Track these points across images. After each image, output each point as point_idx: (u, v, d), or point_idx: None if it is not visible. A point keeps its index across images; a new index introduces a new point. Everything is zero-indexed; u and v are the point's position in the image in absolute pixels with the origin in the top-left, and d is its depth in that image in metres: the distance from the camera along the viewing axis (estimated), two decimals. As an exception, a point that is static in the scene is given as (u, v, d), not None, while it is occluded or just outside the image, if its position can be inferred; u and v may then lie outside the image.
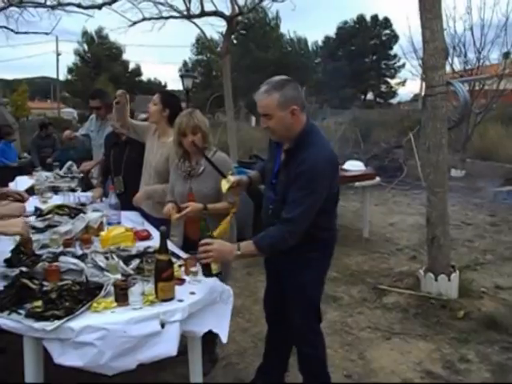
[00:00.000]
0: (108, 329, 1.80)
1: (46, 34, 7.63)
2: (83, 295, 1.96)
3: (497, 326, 3.46)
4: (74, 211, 3.20)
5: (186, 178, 2.77)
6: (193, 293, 2.11)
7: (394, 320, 3.66)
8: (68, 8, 6.70)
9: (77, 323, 1.80)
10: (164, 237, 2.10)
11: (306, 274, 2.30)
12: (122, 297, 1.96)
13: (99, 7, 6.60)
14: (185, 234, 2.83)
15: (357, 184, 5.69)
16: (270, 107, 2.11)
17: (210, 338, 2.78)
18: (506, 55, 11.20)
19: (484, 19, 10.34)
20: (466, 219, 6.77)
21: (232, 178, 2.42)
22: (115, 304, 1.95)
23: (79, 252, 2.52)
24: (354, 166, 5.90)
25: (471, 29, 10.33)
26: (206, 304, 2.14)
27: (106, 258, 2.38)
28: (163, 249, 2.07)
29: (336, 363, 3.05)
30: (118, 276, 2.20)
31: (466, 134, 10.55)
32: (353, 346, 3.29)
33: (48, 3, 6.72)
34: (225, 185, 2.42)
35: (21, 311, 1.86)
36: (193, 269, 2.27)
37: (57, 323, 1.78)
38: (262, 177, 2.52)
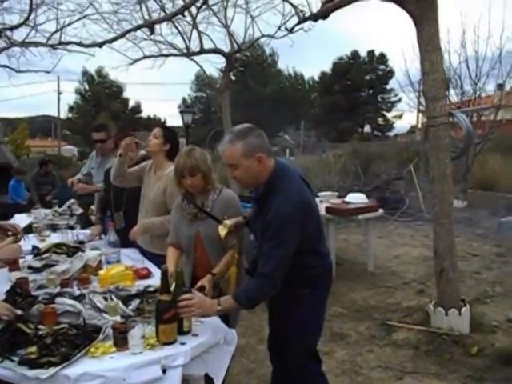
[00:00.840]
0: (106, 376, 1.69)
1: (47, 72, 7.72)
2: (80, 339, 1.86)
3: (513, 363, 3.31)
4: (72, 249, 3.12)
5: (191, 221, 2.64)
6: (195, 335, 2.01)
7: (405, 358, 3.51)
8: (69, 47, 6.86)
9: (73, 370, 1.70)
10: (165, 275, 2.01)
11: (298, 311, 2.25)
12: (121, 341, 1.86)
13: (100, 45, 6.69)
14: (193, 274, 2.71)
15: (360, 217, 5.60)
16: (235, 157, 2.10)
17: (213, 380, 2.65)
18: (499, 86, 11.38)
19: (478, 52, 10.52)
20: (471, 250, 6.64)
21: (229, 223, 2.41)
22: (114, 349, 1.85)
23: (77, 292, 2.44)
24: (356, 199, 5.83)
25: (466, 61, 10.50)
26: (209, 346, 2.03)
27: (105, 299, 2.28)
28: (164, 288, 1.98)
29: (347, 406, 2.90)
30: (117, 318, 2.10)
31: (466, 165, 10.55)
32: (363, 387, 3.14)
33: (49, 43, 6.84)
34: (222, 230, 2.40)
35: (14, 358, 1.77)
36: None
37: (52, 371, 1.67)
38: None
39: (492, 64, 10.40)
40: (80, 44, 6.79)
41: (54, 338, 1.83)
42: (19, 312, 2.04)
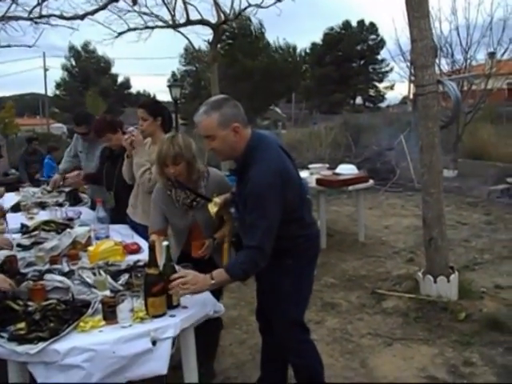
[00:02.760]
0: (96, 350, 1.71)
1: (29, 46, 7.50)
2: (69, 314, 1.87)
3: (499, 327, 3.38)
4: (61, 226, 3.11)
5: (186, 211, 2.59)
6: (185, 307, 2.03)
7: (394, 325, 3.57)
8: (52, 21, 6.66)
9: (62, 345, 1.71)
10: (152, 250, 2.01)
11: (284, 281, 2.26)
12: (110, 314, 1.87)
13: (82, 18, 6.52)
14: (183, 248, 2.71)
15: (350, 188, 5.62)
16: (211, 127, 2.06)
17: (206, 352, 2.69)
18: (491, 55, 11.29)
19: (469, 19, 10.38)
20: (461, 219, 6.71)
21: (218, 200, 2.39)
22: (103, 322, 1.86)
23: (66, 269, 2.44)
24: (346, 170, 5.83)
25: (457, 29, 10.37)
26: (198, 318, 2.05)
27: (94, 274, 2.29)
28: (152, 262, 1.98)
29: (337, 372, 2.96)
30: (107, 292, 2.11)
31: (457, 134, 10.55)
32: (354, 353, 3.20)
33: (30, 16, 6.64)
34: (213, 208, 2.38)
35: (3, 334, 1.77)
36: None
37: (41, 346, 1.68)
38: None
39: (483, 31, 10.30)
40: (61, 17, 6.60)
41: (42, 314, 1.84)
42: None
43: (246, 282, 3.85)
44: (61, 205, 4.13)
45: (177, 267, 2.16)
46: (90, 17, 6.55)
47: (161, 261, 2.06)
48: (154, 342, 1.82)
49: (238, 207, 2.27)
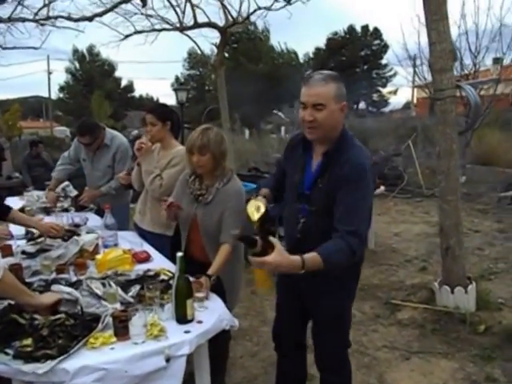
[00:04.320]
0: (107, 368, 1.60)
1: (35, 48, 7.42)
2: (78, 330, 1.75)
3: (521, 341, 3.25)
4: (68, 234, 2.99)
5: (192, 201, 2.52)
6: (200, 322, 1.91)
7: (411, 337, 3.45)
8: (58, 23, 6.58)
9: (72, 363, 1.60)
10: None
11: (342, 297, 2.16)
12: (121, 330, 1.75)
13: (90, 19, 6.43)
14: (190, 254, 2.57)
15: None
16: (326, 97, 1.90)
17: (217, 365, 2.57)
18: (496, 61, 11.21)
19: (478, 24, 10.28)
20: (472, 226, 6.58)
21: (261, 204, 1.96)
22: (114, 339, 1.74)
23: (73, 278, 2.34)
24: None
25: (466, 34, 10.26)
26: (214, 333, 1.94)
27: (103, 285, 2.17)
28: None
29: (355, 388, 2.82)
30: (117, 305, 1.99)
31: (465, 140, 10.43)
32: (370, 367, 3.08)
33: (36, 18, 6.56)
34: (254, 214, 1.92)
35: (8, 351, 1.66)
36: (199, 294, 2.06)
37: (49, 365, 1.57)
38: (272, 194, 2.28)
39: (491, 36, 10.19)
40: (69, 18, 6.51)
41: (50, 330, 1.72)
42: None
43: (255, 291, 3.72)
44: (66, 210, 4.02)
45: (191, 279, 2.04)
46: (96, 19, 6.46)
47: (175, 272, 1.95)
48: (167, 359, 1.71)
49: (311, 199, 2.02)
